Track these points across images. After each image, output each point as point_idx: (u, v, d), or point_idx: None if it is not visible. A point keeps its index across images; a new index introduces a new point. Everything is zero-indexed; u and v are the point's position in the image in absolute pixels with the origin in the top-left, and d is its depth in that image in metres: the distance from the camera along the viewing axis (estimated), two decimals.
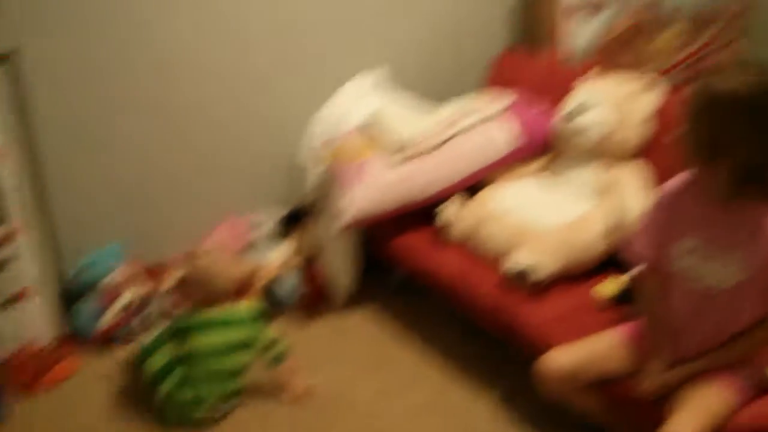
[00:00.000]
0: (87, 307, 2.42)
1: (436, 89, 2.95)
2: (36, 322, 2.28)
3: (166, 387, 2.04)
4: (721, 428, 1.53)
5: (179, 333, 2.09)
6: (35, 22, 2.20)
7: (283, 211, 2.85)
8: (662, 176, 2.14)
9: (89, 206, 2.52)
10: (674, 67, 3.11)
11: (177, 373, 2.05)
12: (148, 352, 2.10)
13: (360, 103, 2.73)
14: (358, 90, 2.81)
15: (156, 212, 2.66)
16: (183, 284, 2.16)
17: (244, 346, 2.09)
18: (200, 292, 2.11)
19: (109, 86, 2.42)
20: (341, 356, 2.38)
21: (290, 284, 2.61)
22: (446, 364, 2.31)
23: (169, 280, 2.55)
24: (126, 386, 2.21)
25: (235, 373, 2.11)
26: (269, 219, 2.80)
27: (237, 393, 2.13)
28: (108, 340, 2.42)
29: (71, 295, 2.47)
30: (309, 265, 2.67)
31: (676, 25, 3.09)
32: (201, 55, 2.53)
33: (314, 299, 2.61)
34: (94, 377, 2.28)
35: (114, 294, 2.45)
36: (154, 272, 2.58)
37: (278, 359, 2.14)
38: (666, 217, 1.67)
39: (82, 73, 2.36)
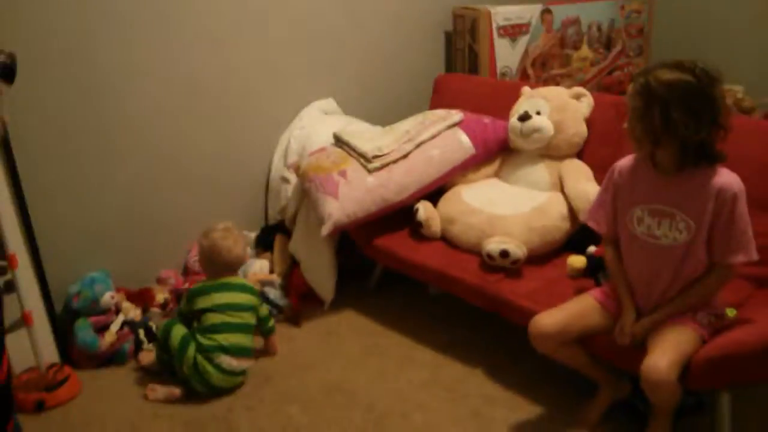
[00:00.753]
0: (83, 330, 2.47)
1: (377, 114, 3.24)
2: (38, 345, 2.33)
3: (191, 352, 2.25)
4: (690, 359, 1.80)
5: (198, 294, 2.36)
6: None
7: (259, 227, 3.02)
8: (598, 168, 2.53)
9: (74, 236, 2.60)
10: (591, 79, 3.57)
11: (199, 336, 2.30)
12: (167, 329, 2.33)
13: (319, 125, 2.99)
14: (315, 115, 3.07)
15: (139, 238, 2.76)
16: (200, 256, 2.45)
17: (252, 308, 2.41)
18: (212, 263, 2.40)
19: (89, 131, 2.54)
20: (333, 352, 2.55)
21: (273, 295, 2.77)
22: (435, 347, 2.54)
23: (159, 300, 2.68)
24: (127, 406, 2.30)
25: (247, 329, 2.38)
26: (248, 235, 2.96)
27: (250, 350, 2.37)
28: (107, 360, 2.50)
29: (66, 320, 2.53)
30: (290, 275, 2.84)
31: (588, 43, 3.56)
32: (181, 100, 2.73)
33: (299, 306, 2.78)
34: (98, 396, 2.34)
35: (108, 317, 2.54)
36: (141, 294, 2.68)
37: (270, 331, 2.53)
38: (617, 191, 2.00)
39: (62, 121, 2.48)
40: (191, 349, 2.27)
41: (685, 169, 1.84)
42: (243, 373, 2.36)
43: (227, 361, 2.28)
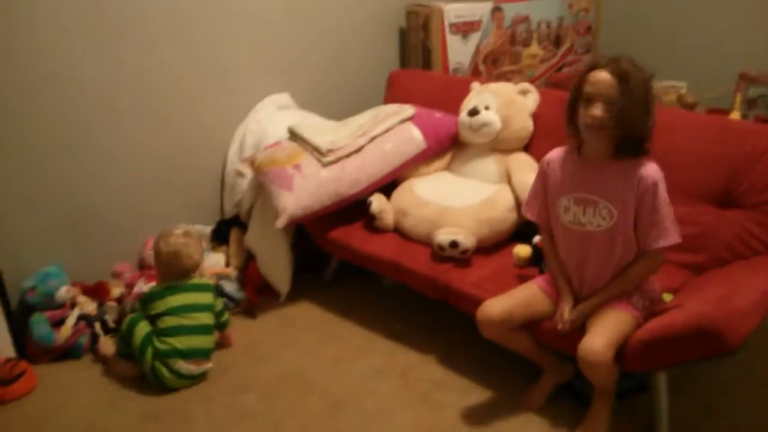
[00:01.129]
0: (39, 324, 2.48)
1: (332, 109, 3.30)
2: None
3: (149, 355, 2.28)
4: (626, 342, 1.91)
5: (153, 299, 2.37)
6: None
7: (215, 221, 3.06)
8: None
9: (27, 230, 2.60)
10: (541, 75, 3.68)
11: (156, 340, 2.31)
12: (132, 325, 2.34)
13: (274, 119, 3.03)
14: (270, 109, 3.11)
15: (92, 233, 2.77)
16: (157, 260, 2.44)
17: (209, 308, 2.43)
18: (171, 267, 2.40)
19: (40, 127, 2.55)
20: (290, 342, 2.61)
21: (230, 288, 2.81)
22: (388, 335, 2.62)
23: (115, 294, 2.70)
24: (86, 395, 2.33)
25: (205, 331, 2.39)
26: (203, 230, 2.99)
27: (208, 352, 2.40)
28: (63, 354, 2.52)
29: (21, 315, 2.54)
30: (246, 268, 2.89)
31: (537, 40, 3.67)
32: (133, 89, 2.75)
33: (255, 299, 2.83)
34: (55, 389, 2.35)
35: (63, 311, 2.55)
36: (97, 288, 2.70)
37: (224, 325, 2.55)
38: (548, 182, 2.10)
39: (12, 116, 2.48)
40: (149, 353, 2.28)
41: (611, 158, 1.93)
42: (202, 375, 2.37)
43: (185, 366, 2.30)
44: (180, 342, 2.28)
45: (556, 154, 2.09)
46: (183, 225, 2.50)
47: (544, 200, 2.13)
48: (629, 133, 1.87)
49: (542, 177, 2.12)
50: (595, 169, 1.97)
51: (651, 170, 1.91)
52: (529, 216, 2.20)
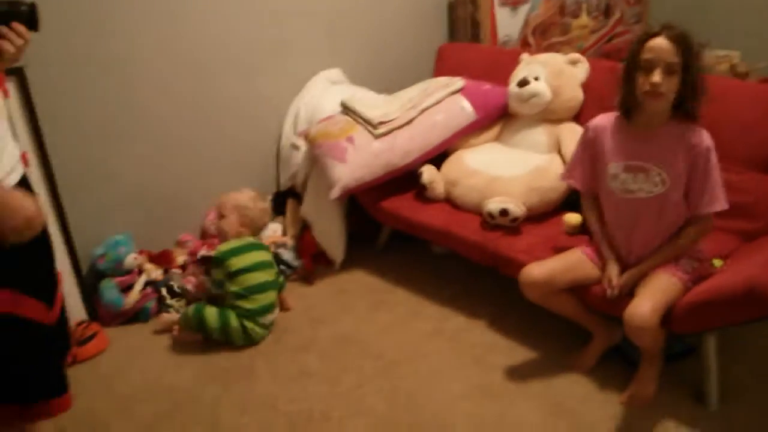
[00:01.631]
0: (109, 290, 2.64)
1: (383, 84, 3.35)
2: (67, 303, 2.49)
3: (234, 322, 2.42)
4: (673, 305, 1.95)
5: (234, 254, 2.48)
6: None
7: (272, 193, 3.17)
8: None
9: (98, 203, 2.74)
10: (591, 46, 3.67)
11: (241, 301, 2.45)
12: (199, 313, 2.46)
13: (327, 94, 3.11)
14: (322, 85, 3.19)
15: (158, 205, 2.90)
16: (241, 213, 2.57)
17: (270, 265, 2.56)
18: (252, 223, 2.60)
19: (109, 104, 2.67)
20: (345, 307, 2.71)
21: (287, 256, 2.92)
22: (439, 301, 2.70)
23: (179, 261, 2.84)
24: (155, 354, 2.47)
25: (276, 286, 2.57)
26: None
27: (275, 305, 2.55)
28: (132, 318, 2.67)
29: (92, 281, 2.70)
30: (302, 237, 3.00)
31: (587, 11, 3.65)
32: (191, 69, 2.85)
33: (311, 267, 2.94)
34: (125, 350, 2.51)
35: (131, 277, 2.70)
36: (162, 256, 2.84)
37: (282, 286, 2.67)
38: (595, 149, 2.12)
39: (84, 95, 2.60)
40: (233, 320, 2.42)
41: (661, 125, 1.95)
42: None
43: (270, 318, 2.49)
44: (266, 297, 2.47)
45: (603, 120, 2.11)
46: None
47: (587, 166, 2.16)
48: (689, 95, 1.89)
49: (586, 143, 2.15)
50: (646, 136, 1.99)
51: (703, 136, 1.93)
52: (571, 183, 2.24)
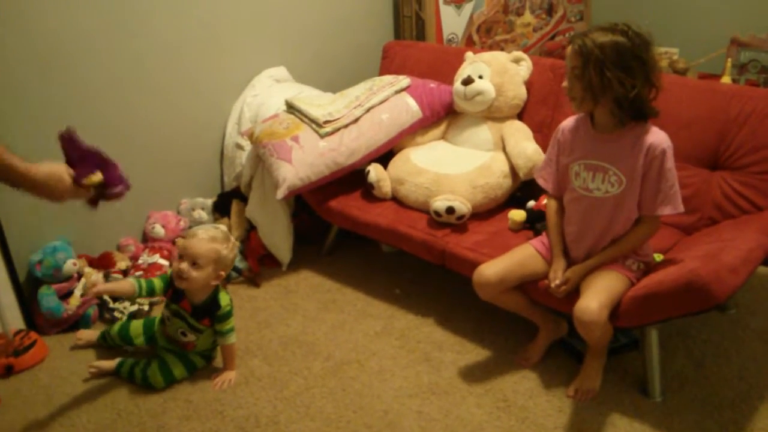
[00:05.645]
0: (48, 297, 2.54)
1: (328, 82, 3.34)
2: (4, 312, 2.41)
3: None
4: (619, 301, 1.98)
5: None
6: None
7: (216, 194, 3.12)
8: (537, 128, 2.69)
9: (34, 207, 2.63)
10: (534, 44, 3.71)
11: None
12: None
13: (271, 93, 3.08)
14: (267, 83, 3.15)
15: (99, 207, 2.81)
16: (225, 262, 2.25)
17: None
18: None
19: (44, 103, 2.57)
20: (293, 309, 2.67)
21: None
22: (388, 300, 2.70)
23: (120, 266, 2.76)
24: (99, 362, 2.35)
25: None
26: (204, 202, 3.06)
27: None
28: (73, 325, 2.59)
29: (30, 288, 2.60)
30: (248, 239, 2.95)
31: (530, 9, 3.69)
32: (132, 68, 2.78)
33: (258, 268, 2.89)
34: (66, 359, 2.42)
35: (71, 283, 2.61)
36: (102, 259, 2.76)
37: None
38: (562, 149, 2.15)
39: (17, 92, 2.51)
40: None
41: (621, 127, 1.98)
42: None
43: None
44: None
45: (569, 121, 2.15)
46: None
47: (555, 167, 2.19)
48: (611, 100, 1.92)
49: (556, 144, 2.18)
50: (605, 137, 2.02)
51: (660, 138, 1.96)
52: (541, 182, 2.25)
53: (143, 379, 2.24)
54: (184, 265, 2.13)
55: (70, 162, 1.90)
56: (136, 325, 2.41)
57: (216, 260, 2.16)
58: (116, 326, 2.43)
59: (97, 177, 1.94)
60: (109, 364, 2.32)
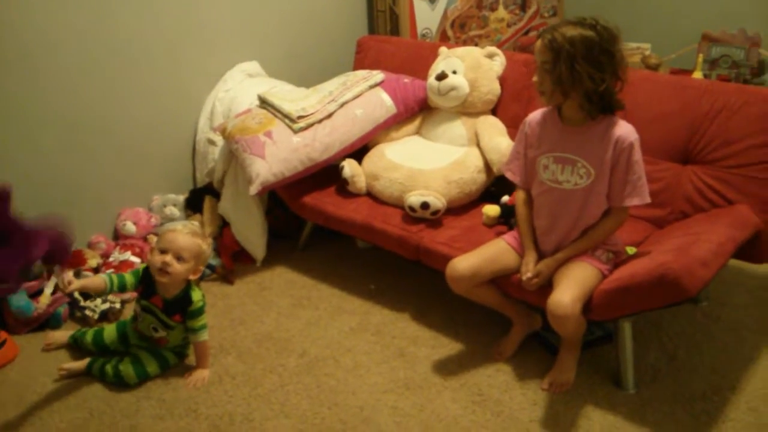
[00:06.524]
0: (17, 296, 2.49)
1: (302, 76, 3.31)
2: None
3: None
4: (592, 292, 1.99)
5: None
6: None
7: (188, 190, 3.08)
8: (511, 123, 2.70)
9: None
10: (508, 39, 3.72)
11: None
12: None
13: (244, 87, 3.05)
14: (239, 77, 3.13)
15: (66, 203, 2.75)
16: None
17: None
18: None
19: (11, 96, 2.53)
20: (267, 305, 2.65)
21: None
22: (363, 296, 2.69)
23: (91, 264, 2.72)
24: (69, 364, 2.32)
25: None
26: (176, 199, 3.02)
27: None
28: (43, 324, 2.54)
29: None
30: (221, 235, 2.93)
31: (504, 5, 3.70)
32: (105, 64, 2.74)
33: (231, 265, 2.87)
34: (36, 358, 2.38)
35: (40, 282, 2.57)
36: (72, 258, 2.71)
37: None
38: (529, 142, 2.16)
39: None
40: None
41: (589, 120, 1.99)
42: None
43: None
44: None
45: (536, 114, 2.15)
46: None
47: (523, 160, 2.19)
48: (581, 94, 1.93)
49: (523, 137, 2.18)
50: (574, 130, 2.03)
51: (628, 130, 1.98)
52: (509, 175, 2.25)
53: (115, 375, 2.20)
54: (169, 258, 2.12)
55: None
56: (110, 331, 2.36)
57: (197, 254, 2.17)
58: (89, 335, 2.37)
59: None
60: (80, 364, 2.28)
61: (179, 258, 2.13)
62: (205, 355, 2.27)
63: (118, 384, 2.21)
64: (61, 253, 1.87)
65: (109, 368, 2.22)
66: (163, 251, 2.14)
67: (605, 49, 1.89)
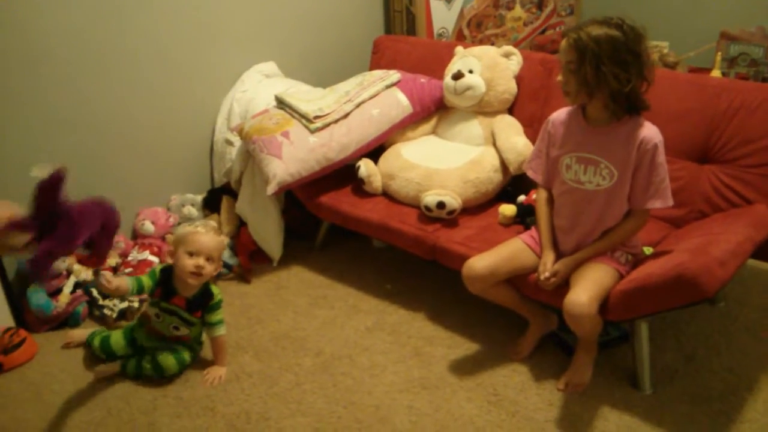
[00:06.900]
0: (37, 294, 2.52)
1: (318, 77, 3.33)
2: None
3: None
4: (609, 293, 1.98)
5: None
6: None
7: (206, 190, 3.11)
8: (528, 123, 2.69)
9: (21, 204, 2.63)
10: (525, 38, 3.70)
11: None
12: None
13: (261, 88, 3.07)
14: (256, 78, 3.14)
15: None
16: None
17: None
18: None
19: (31, 100, 2.55)
20: (284, 305, 2.67)
21: (223, 255, 2.86)
22: (379, 296, 2.69)
23: (110, 263, 2.75)
24: (86, 361, 2.36)
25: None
26: (194, 198, 3.04)
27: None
28: (62, 323, 2.57)
29: (19, 286, 2.58)
30: (238, 235, 2.94)
31: (521, 4, 3.69)
32: (122, 63, 2.77)
33: (248, 265, 2.88)
34: (56, 357, 2.40)
35: (60, 281, 2.60)
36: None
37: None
38: (552, 141, 2.15)
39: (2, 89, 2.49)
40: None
41: (614, 120, 1.97)
42: None
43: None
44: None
45: (560, 114, 2.14)
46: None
47: (545, 159, 2.18)
48: (606, 95, 1.91)
49: (546, 136, 2.17)
50: (600, 131, 2.01)
51: (653, 132, 1.96)
52: (530, 174, 2.25)
53: (155, 368, 2.23)
54: (202, 261, 2.15)
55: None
56: (116, 337, 2.36)
57: (222, 252, 2.25)
58: (96, 341, 2.37)
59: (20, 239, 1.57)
60: (113, 366, 2.30)
61: (209, 258, 2.17)
62: (223, 352, 2.29)
63: (160, 377, 2.24)
64: (111, 228, 1.89)
65: (146, 363, 2.24)
66: (192, 254, 2.15)
67: (631, 49, 1.86)
